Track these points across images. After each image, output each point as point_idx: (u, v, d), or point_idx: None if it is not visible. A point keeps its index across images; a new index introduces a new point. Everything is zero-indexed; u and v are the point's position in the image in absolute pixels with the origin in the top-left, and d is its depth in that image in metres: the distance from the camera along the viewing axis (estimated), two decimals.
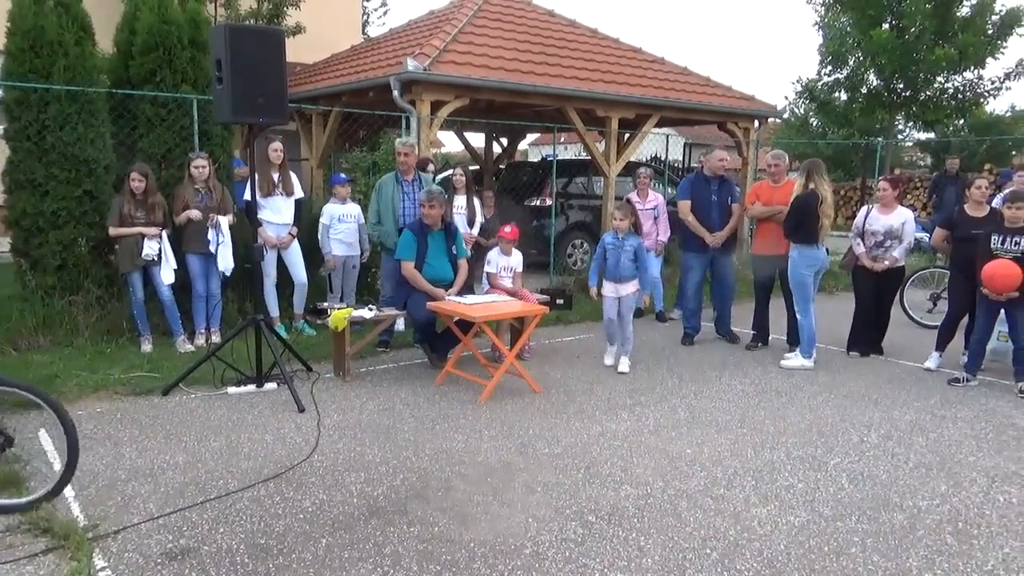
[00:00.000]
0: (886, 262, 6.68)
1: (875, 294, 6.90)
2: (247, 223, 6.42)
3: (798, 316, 6.52)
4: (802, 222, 6.36)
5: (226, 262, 6.48)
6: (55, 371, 5.59)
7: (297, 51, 10.67)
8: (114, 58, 7.45)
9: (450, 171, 7.99)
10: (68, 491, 3.78)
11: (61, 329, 6.37)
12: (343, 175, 7.78)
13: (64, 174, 6.57)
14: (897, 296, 8.62)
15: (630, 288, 6.29)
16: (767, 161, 7.06)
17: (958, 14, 11.90)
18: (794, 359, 6.62)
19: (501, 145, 16.54)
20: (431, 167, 7.70)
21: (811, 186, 6.35)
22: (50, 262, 6.60)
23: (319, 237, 7.28)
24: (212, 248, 6.42)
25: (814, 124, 16.09)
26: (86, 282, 6.61)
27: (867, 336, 7.00)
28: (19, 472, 3.95)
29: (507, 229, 6.64)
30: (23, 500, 3.61)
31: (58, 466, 4.09)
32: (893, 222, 6.70)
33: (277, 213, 6.85)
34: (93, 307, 6.56)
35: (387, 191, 6.69)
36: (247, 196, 5.81)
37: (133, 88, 7.14)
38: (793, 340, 6.99)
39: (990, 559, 3.34)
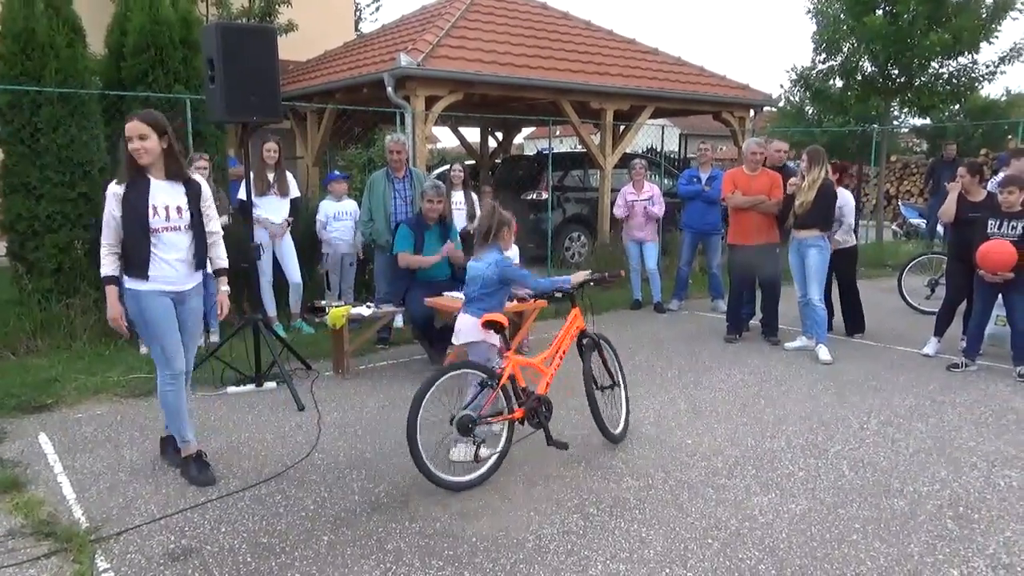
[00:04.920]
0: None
1: (834, 277, 6.99)
2: (242, 223, 6.41)
3: (815, 303, 6.48)
4: (831, 211, 6.43)
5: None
6: (54, 375, 5.59)
7: (290, 49, 10.62)
8: (106, 59, 7.44)
9: (446, 166, 7.98)
10: (69, 493, 3.79)
11: (59, 332, 6.36)
12: (337, 172, 7.78)
13: (58, 177, 6.55)
14: (895, 282, 8.68)
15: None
16: (752, 149, 6.98)
17: None
18: (801, 342, 6.71)
19: (496, 140, 16.52)
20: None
21: (823, 174, 6.34)
22: (46, 266, 6.59)
23: (317, 231, 7.26)
24: None
25: (809, 112, 16.04)
26: (83, 285, 6.60)
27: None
28: (19, 476, 3.96)
29: None
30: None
31: (59, 467, 4.09)
32: None
33: (272, 212, 6.84)
34: (91, 310, 6.54)
35: (379, 189, 6.68)
36: (242, 195, 5.80)
37: (125, 89, 7.11)
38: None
39: (991, 543, 3.34)
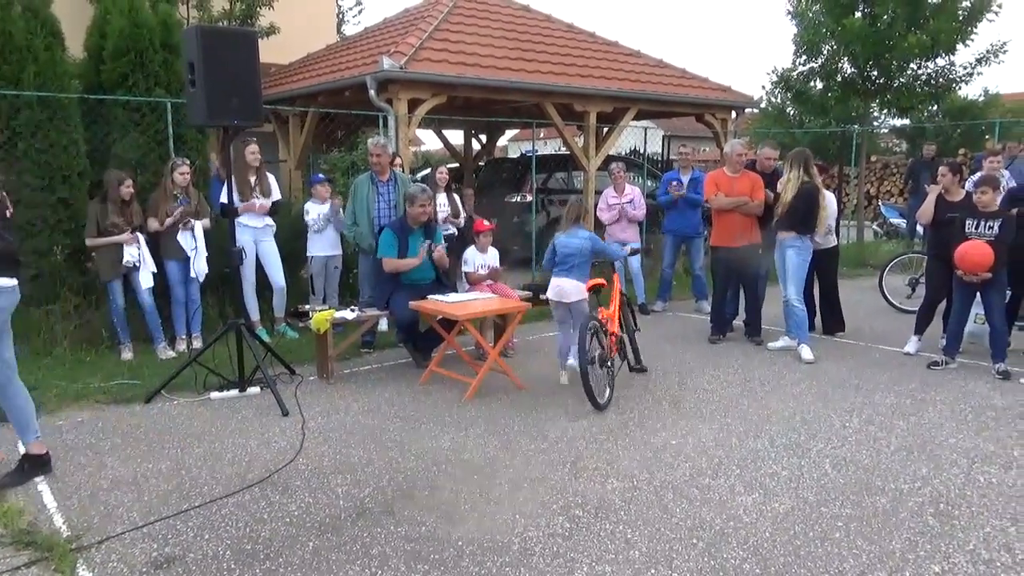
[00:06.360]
0: None
1: (815, 276, 7.03)
2: (224, 226, 6.37)
3: (794, 303, 6.52)
4: (808, 214, 6.41)
5: (200, 267, 6.44)
6: (33, 381, 5.48)
7: (272, 52, 10.57)
8: (85, 63, 7.37)
9: (429, 169, 7.95)
10: (50, 502, 3.75)
11: (39, 339, 6.28)
12: (320, 175, 7.74)
13: (37, 182, 6.49)
14: (876, 281, 8.77)
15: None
16: (738, 151, 7.00)
17: (929, 0, 12.02)
18: (784, 341, 6.74)
19: (480, 142, 16.51)
20: (398, 160, 7.59)
21: (806, 178, 6.38)
22: (25, 272, 6.50)
23: (308, 219, 7.14)
24: (188, 251, 6.37)
25: (791, 114, 16.16)
26: (63, 291, 6.53)
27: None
28: None
29: (485, 223, 6.65)
30: None
31: (39, 476, 4.04)
32: None
33: (254, 216, 6.81)
34: (71, 316, 6.48)
35: (362, 192, 6.66)
36: (223, 199, 5.76)
37: (105, 93, 7.05)
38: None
39: (972, 539, 3.38)
